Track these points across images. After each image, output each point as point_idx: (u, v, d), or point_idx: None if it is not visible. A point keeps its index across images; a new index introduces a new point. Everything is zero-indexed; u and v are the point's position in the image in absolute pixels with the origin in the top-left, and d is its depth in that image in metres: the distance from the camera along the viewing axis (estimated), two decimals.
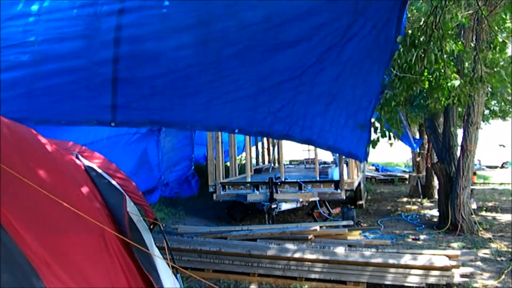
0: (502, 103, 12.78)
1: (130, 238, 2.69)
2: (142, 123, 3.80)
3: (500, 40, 4.76)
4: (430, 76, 4.05)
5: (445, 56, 4.11)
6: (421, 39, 3.98)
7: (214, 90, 3.71)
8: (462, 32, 7.02)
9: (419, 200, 11.01)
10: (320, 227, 6.74)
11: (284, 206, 7.96)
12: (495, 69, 5.71)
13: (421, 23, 4.45)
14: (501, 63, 5.91)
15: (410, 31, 4.12)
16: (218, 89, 3.71)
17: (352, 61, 3.98)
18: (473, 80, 4.64)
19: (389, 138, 4.64)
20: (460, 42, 4.54)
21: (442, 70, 4.06)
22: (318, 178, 8.57)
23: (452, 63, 4.42)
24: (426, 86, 4.13)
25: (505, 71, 5.42)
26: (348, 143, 4.60)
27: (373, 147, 4.60)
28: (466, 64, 5.67)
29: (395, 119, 4.40)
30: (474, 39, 6.67)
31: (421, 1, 6.88)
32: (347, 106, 4.37)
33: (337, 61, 3.91)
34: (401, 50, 4.03)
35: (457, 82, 4.07)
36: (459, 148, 7.73)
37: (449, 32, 4.19)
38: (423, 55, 3.97)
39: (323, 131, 4.38)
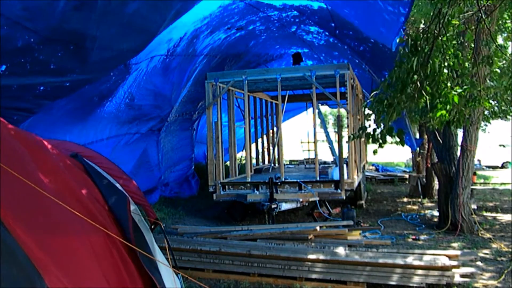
0: (502, 103, 12.72)
1: (134, 240, 2.69)
2: None
3: (497, 45, 4.72)
4: (431, 89, 3.95)
5: (446, 70, 4.05)
6: (424, 44, 3.90)
7: None
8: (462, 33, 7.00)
9: (419, 200, 11.01)
10: (320, 227, 6.74)
11: (284, 206, 7.95)
12: (495, 69, 5.67)
13: (423, 26, 4.41)
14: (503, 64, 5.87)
15: (412, 35, 4.05)
16: None
17: None
18: (469, 99, 4.62)
19: (383, 142, 4.47)
20: (459, 54, 4.47)
21: (445, 82, 3.99)
22: (318, 178, 8.56)
23: (451, 76, 4.34)
24: (423, 99, 4.02)
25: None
26: None
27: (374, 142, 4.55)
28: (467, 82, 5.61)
29: (386, 121, 4.34)
30: (473, 41, 6.65)
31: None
32: None
33: None
34: (401, 52, 3.99)
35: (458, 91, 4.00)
36: (459, 148, 7.73)
37: (450, 35, 4.14)
38: (426, 62, 3.89)
39: None
